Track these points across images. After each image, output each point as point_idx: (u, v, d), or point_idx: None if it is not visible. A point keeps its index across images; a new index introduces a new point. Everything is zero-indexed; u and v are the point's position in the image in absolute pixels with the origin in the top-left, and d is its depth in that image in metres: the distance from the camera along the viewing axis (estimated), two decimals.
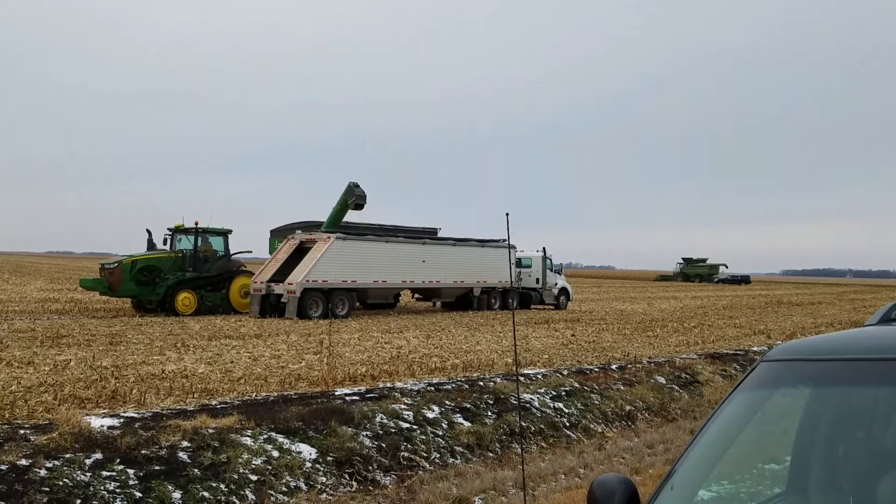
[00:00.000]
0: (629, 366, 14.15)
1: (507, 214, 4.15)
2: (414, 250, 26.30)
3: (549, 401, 11.10)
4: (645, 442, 10.48)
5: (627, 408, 11.83)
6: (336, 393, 10.01)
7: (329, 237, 24.02)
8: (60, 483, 6.25)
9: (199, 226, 24.31)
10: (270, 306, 23.07)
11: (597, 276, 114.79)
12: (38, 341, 14.65)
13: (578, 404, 11.32)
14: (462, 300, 28.66)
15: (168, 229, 24.33)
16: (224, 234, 25.22)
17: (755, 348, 18.17)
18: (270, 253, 29.78)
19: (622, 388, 12.55)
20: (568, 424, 10.70)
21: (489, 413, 10.13)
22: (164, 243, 24.29)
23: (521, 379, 11.82)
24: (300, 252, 24.24)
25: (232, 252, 25.30)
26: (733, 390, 2.43)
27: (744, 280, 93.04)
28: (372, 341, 16.75)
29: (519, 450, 9.26)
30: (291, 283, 22.65)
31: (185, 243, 24.27)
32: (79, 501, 6.14)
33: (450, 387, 10.91)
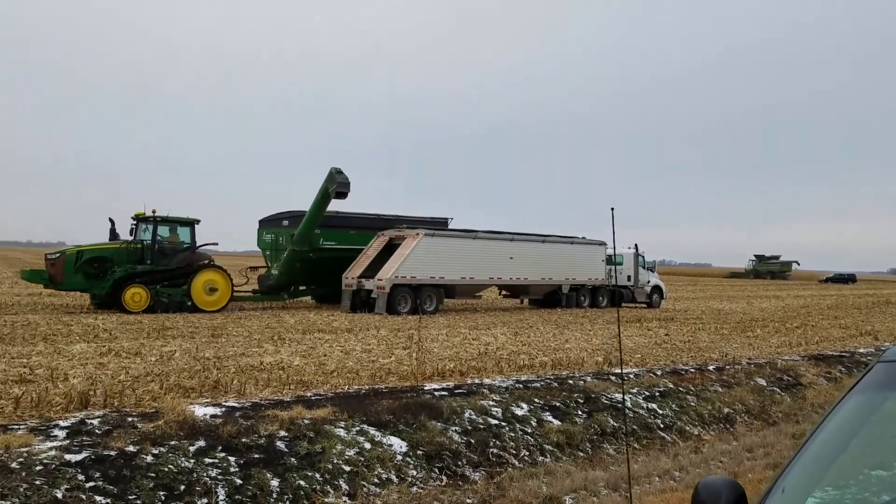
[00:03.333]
0: (727, 367, 13.67)
1: (613, 209, 4.03)
2: (502, 247, 26.25)
3: (642, 401, 10.85)
4: (744, 445, 10.10)
5: (725, 410, 11.43)
6: (425, 388, 10.09)
7: (418, 234, 24.25)
8: (165, 469, 6.54)
9: (156, 214, 21.87)
10: (361, 302, 23.51)
11: (690, 273, 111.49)
12: (146, 333, 15.45)
13: (673, 405, 11.01)
14: (550, 297, 28.41)
15: (132, 218, 22.02)
16: (189, 224, 22.55)
17: (862, 350, 17.25)
18: (259, 245, 27.43)
19: (720, 389, 12.13)
20: (662, 426, 10.43)
21: (579, 412, 9.99)
22: (131, 234, 21.87)
23: (613, 378, 11.60)
24: (389, 248, 24.59)
25: (198, 244, 22.65)
26: (847, 392, 2.31)
27: (850, 279, 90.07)
28: (460, 337, 16.81)
29: (611, 450, 9.10)
30: (381, 280, 23.01)
31: (150, 234, 21.95)
32: (183, 487, 6.40)
33: (538, 384, 10.82)
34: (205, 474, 6.63)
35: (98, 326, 16.28)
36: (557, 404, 10.03)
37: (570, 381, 11.16)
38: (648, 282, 31.32)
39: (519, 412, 9.51)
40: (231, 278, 22.55)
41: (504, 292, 29.96)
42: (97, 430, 7.06)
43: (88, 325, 16.60)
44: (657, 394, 11.26)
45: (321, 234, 24.92)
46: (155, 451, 6.74)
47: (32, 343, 13.20)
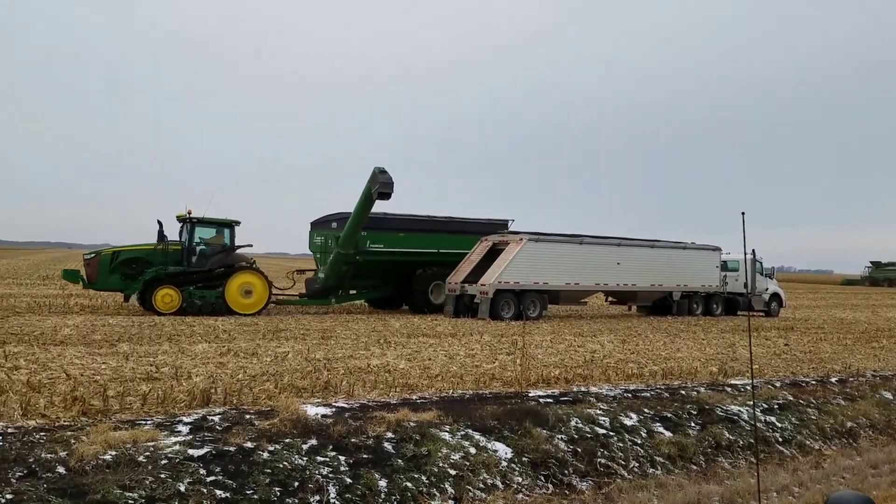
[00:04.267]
0: (851, 379, 12.88)
1: (743, 214, 3.83)
2: (608, 252, 25.74)
3: (759, 414, 10.37)
4: (868, 461, 9.49)
5: (848, 424, 10.77)
6: (530, 394, 10.02)
7: (521, 238, 24.14)
8: (280, 466, 6.77)
9: (192, 216, 21.37)
10: (464, 307, 23.59)
11: (810, 280, 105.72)
12: (261, 334, 16.11)
13: (792, 419, 10.46)
14: (660, 305, 27.59)
15: (176, 219, 21.73)
16: (228, 225, 21.99)
17: None
18: (310, 248, 26.69)
19: (842, 402, 11.44)
20: (780, 440, 9.92)
21: (692, 424, 9.65)
22: (179, 235, 21.64)
23: (728, 390, 11.14)
24: (493, 253, 24.58)
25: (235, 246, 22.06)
26: None
27: None
28: (564, 344, 16.60)
29: (726, 464, 8.74)
30: (484, 285, 23.03)
31: (198, 234, 21.58)
32: (296, 484, 6.61)
33: (648, 394, 10.53)
34: (317, 472, 6.82)
35: (218, 328, 17.13)
36: (668, 415, 9.72)
37: (682, 392, 10.80)
38: (767, 289, 29.90)
39: (628, 422, 9.28)
40: (269, 281, 21.95)
41: (610, 299, 29.33)
42: (217, 427, 7.42)
43: (209, 325, 17.50)
44: (775, 406, 10.74)
45: (368, 237, 23.99)
46: (270, 448, 6.99)
47: (158, 343, 14.04)
